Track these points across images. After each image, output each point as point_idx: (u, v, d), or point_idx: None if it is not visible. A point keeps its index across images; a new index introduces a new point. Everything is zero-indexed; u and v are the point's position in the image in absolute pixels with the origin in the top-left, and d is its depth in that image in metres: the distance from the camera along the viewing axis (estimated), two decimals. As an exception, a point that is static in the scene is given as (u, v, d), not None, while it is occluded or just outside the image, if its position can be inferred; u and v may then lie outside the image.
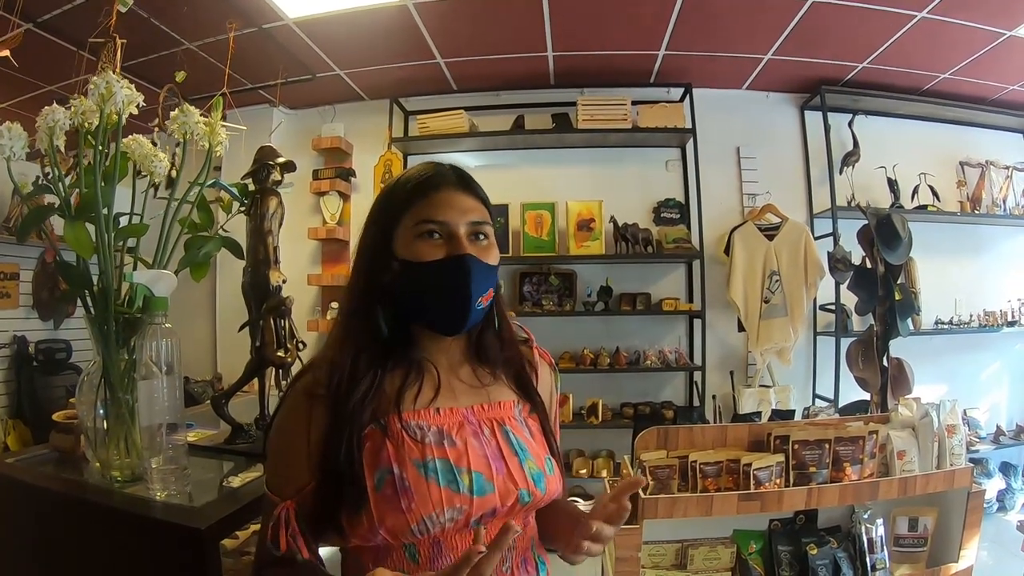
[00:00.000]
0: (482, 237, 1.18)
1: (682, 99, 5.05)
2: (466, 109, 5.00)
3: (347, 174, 5.31)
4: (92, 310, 1.60)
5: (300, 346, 2.08)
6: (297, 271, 5.16)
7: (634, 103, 4.94)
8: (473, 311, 1.14)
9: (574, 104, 4.98)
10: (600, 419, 4.81)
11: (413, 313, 1.17)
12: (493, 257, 1.19)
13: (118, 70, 2.79)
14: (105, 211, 1.57)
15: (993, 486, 4.91)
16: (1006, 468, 5.10)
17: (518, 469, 1.14)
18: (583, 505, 3.28)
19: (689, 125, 4.95)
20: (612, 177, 5.20)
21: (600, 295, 4.94)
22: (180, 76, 3.64)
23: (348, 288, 1.22)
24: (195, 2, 3.62)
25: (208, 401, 2.32)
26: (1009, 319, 5.24)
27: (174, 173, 1.74)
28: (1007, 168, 5.32)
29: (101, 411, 1.59)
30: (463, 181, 1.22)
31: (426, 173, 1.20)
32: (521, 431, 1.20)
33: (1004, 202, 5.25)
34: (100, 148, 1.55)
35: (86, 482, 1.63)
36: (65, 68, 3.66)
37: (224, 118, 1.80)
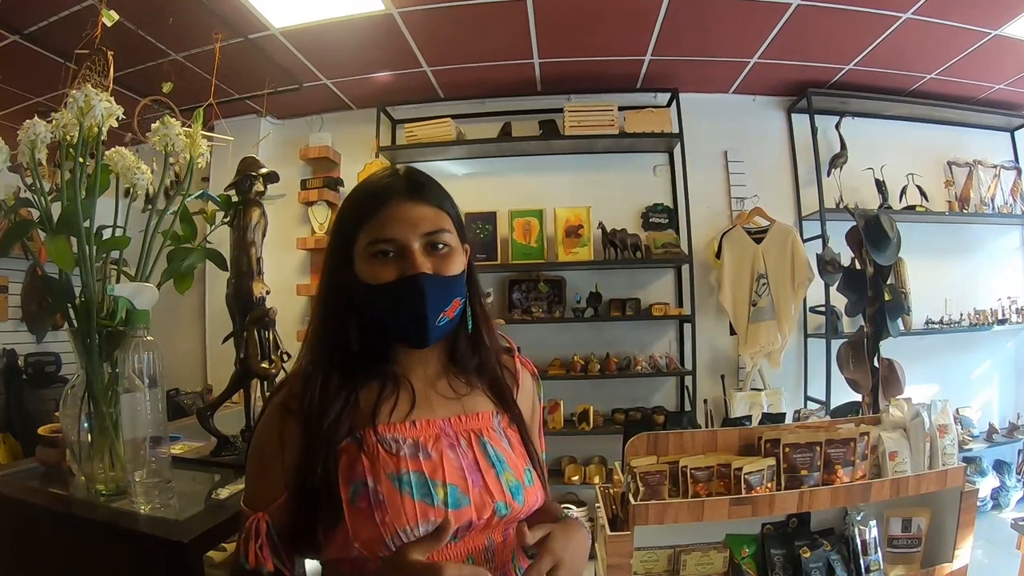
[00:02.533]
0: (440, 246, 1.13)
1: (669, 104, 5.06)
2: (453, 117, 5.00)
3: (335, 183, 5.31)
4: (75, 323, 1.59)
5: (284, 357, 2.08)
6: (286, 281, 5.17)
7: (621, 109, 4.95)
8: (432, 329, 1.12)
9: (561, 111, 4.98)
10: (591, 425, 4.80)
11: (380, 330, 1.15)
12: (455, 266, 1.15)
13: (111, 85, 2.80)
14: (87, 224, 1.56)
15: (987, 484, 4.92)
16: (1000, 466, 5.11)
17: (495, 481, 1.12)
18: (577, 511, 3.28)
19: (676, 130, 4.96)
20: (600, 183, 5.21)
21: (589, 301, 4.94)
22: (167, 87, 3.64)
23: (317, 301, 1.21)
24: (181, 13, 3.60)
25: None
26: (1000, 317, 5.26)
27: (151, 190, 1.73)
28: (995, 167, 5.34)
29: (85, 424, 1.58)
30: (414, 189, 1.15)
31: (376, 186, 1.16)
32: (499, 442, 1.19)
33: (992, 201, 5.27)
34: (81, 161, 1.54)
35: (71, 496, 1.62)
36: (53, 80, 3.66)
37: (212, 129, 1.80)
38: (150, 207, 1.70)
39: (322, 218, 5.26)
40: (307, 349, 1.18)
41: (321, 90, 4.97)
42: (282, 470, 1.07)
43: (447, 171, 5.19)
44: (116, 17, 2.94)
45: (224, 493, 1.67)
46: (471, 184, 5.17)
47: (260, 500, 1.08)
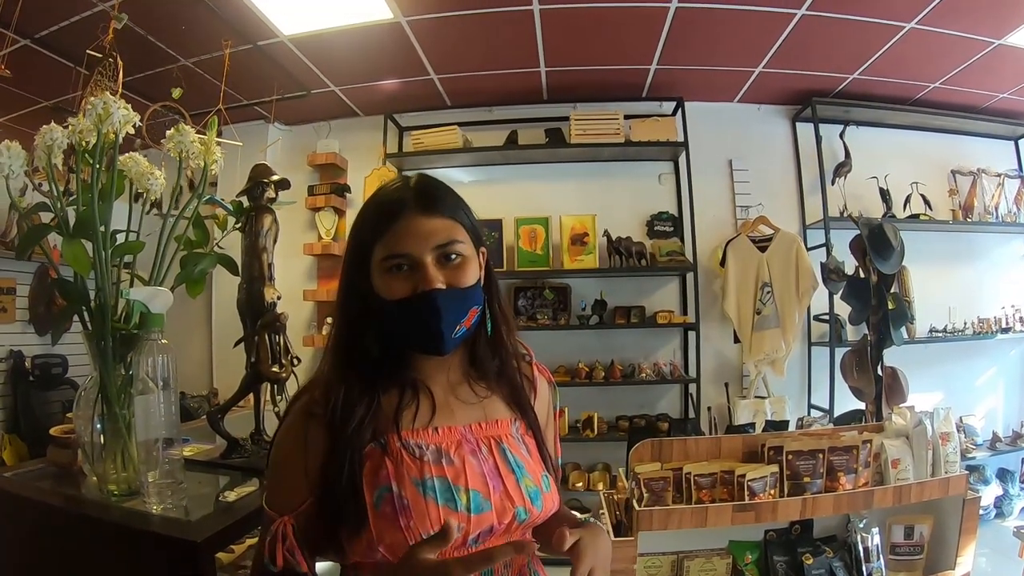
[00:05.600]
0: (453, 257, 1.13)
1: (674, 112, 5.07)
2: (460, 125, 5.03)
3: (342, 190, 5.33)
4: (89, 326, 1.61)
5: (295, 362, 2.10)
6: (293, 287, 5.17)
7: (626, 117, 4.96)
8: (449, 341, 1.12)
9: (567, 119, 4.99)
10: (596, 432, 4.81)
11: (398, 340, 1.16)
12: (469, 277, 1.14)
13: (120, 90, 2.82)
14: (102, 228, 1.58)
15: (990, 492, 4.91)
16: (1003, 474, 5.10)
17: (515, 487, 1.13)
18: (581, 518, 3.27)
19: (681, 138, 4.96)
20: (605, 191, 5.22)
21: (594, 309, 4.95)
22: (177, 93, 3.65)
23: (336, 309, 1.21)
24: (191, 20, 3.64)
25: (204, 416, 2.33)
26: (1003, 326, 5.25)
27: (160, 195, 1.75)
28: (998, 175, 5.34)
29: (98, 426, 1.59)
30: (425, 202, 1.13)
31: (388, 199, 1.15)
32: (518, 449, 1.20)
33: (996, 209, 5.27)
34: (97, 167, 1.57)
35: (83, 496, 1.64)
36: (63, 84, 3.68)
37: (219, 134, 1.82)
38: (171, 212, 1.73)
39: (329, 224, 5.29)
40: (329, 355, 1.19)
41: (329, 97, 4.99)
42: (305, 475, 1.08)
43: (453, 178, 5.17)
44: (125, 18, 2.97)
45: (232, 496, 1.69)
46: (477, 191, 5.16)
47: (282, 503, 1.09)
